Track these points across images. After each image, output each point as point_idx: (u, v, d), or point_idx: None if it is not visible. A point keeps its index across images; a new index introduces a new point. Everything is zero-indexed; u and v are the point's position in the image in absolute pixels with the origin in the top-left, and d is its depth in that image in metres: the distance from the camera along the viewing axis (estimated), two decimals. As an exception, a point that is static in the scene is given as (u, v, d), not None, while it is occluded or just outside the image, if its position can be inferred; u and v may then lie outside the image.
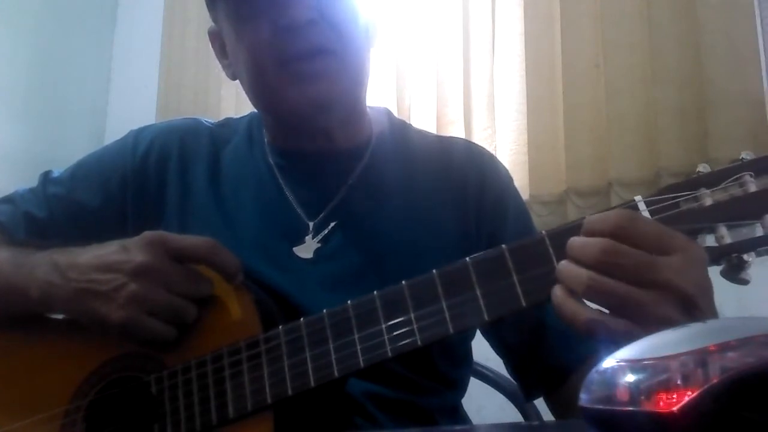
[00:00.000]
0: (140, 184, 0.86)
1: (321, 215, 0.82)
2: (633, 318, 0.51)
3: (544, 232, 0.58)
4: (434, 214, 0.83)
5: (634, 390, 0.33)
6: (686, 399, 0.32)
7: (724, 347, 0.33)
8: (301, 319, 0.64)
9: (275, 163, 0.86)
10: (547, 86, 1.67)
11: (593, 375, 0.37)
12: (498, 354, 0.88)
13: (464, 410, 0.88)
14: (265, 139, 0.88)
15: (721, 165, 0.57)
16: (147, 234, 0.68)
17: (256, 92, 0.81)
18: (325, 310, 0.63)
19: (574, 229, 0.56)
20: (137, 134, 0.91)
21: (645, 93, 1.52)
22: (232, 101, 2.13)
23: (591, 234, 0.54)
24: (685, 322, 0.45)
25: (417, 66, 1.87)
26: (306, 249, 0.80)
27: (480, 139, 1.75)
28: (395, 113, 1.86)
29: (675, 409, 0.32)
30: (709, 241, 0.55)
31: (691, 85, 1.46)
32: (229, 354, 0.65)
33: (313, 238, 0.80)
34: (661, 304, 0.51)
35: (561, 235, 0.57)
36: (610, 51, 1.58)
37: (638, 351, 0.36)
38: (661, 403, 0.32)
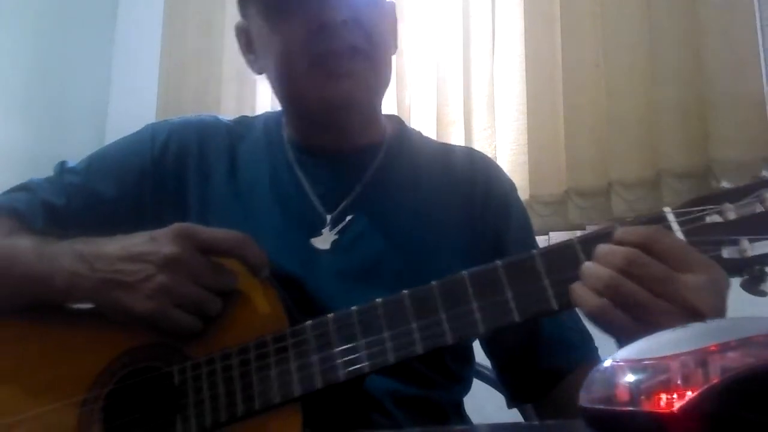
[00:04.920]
0: (159, 177, 0.87)
1: (338, 209, 0.84)
2: (640, 321, 0.54)
3: (574, 238, 0.61)
4: (444, 212, 0.86)
5: (634, 390, 0.33)
6: (686, 399, 0.32)
7: (724, 347, 0.33)
8: (329, 315, 0.65)
9: (294, 159, 0.88)
10: (547, 86, 1.66)
11: (593, 375, 0.37)
12: (488, 355, 0.90)
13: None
14: (284, 136, 0.90)
15: (744, 181, 0.60)
16: (176, 226, 0.68)
17: (285, 86, 0.83)
18: (354, 307, 0.64)
19: (604, 236, 0.60)
20: (154, 128, 0.92)
21: (645, 93, 1.52)
22: (232, 101, 2.13)
23: (620, 243, 0.57)
24: None
25: (417, 66, 1.87)
26: (323, 240, 0.82)
27: (480, 139, 1.75)
28: (395, 113, 1.86)
29: (675, 409, 0.32)
30: (732, 253, 0.57)
31: (691, 86, 1.46)
32: (256, 347, 0.65)
33: (330, 231, 0.82)
34: (671, 316, 0.53)
35: (591, 241, 0.60)
36: (610, 51, 1.58)
37: (638, 351, 0.36)
38: (661, 403, 0.32)
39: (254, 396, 0.63)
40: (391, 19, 0.89)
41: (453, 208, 0.87)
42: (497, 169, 0.95)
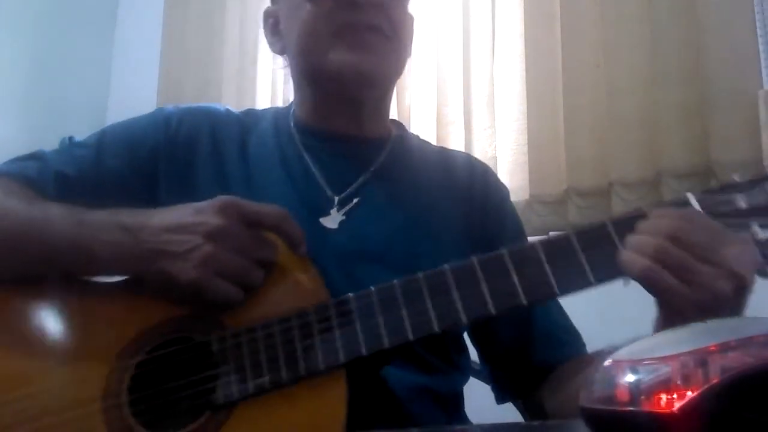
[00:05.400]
0: (171, 156, 0.88)
1: (345, 192, 0.86)
2: (688, 283, 0.58)
3: (607, 219, 0.65)
4: (444, 209, 0.89)
5: (634, 390, 0.33)
6: (686, 399, 0.32)
7: (724, 347, 0.33)
8: (371, 288, 0.67)
9: (302, 143, 0.90)
10: (547, 86, 1.66)
11: (593, 375, 0.37)
12: (480, 352, 0.92)
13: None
14: (292, 125, 0.93)
15: (752, 175, 0.66)
16: (220, 198, 0.69)
17: (305, 56, 0.86)
18: (395, 281, 0.66)
19: (638, 217, 0.64)
20: (167, 110, 0.93)
21: (646, 93, 1.52)
22: (232, 100, 2.13)
23: (661, 218, 0.62)
24: (733, 303, 0.57)
25: (417, 66, 1.87)
26: (332, 220, 0.84)
27: (480, 139, 1.75)
28: (395, 113, 1.86)
29: (675, 409, 0.32)
30: (744, 235, 0.62)
31: (691, 85, 1.46)
32: (299, 316, 0.66)
33: (338, 211, 0.84)
34: (718, 279, 0.58)
35: (624, 222, 0.64)
36: (610, 51, 1.58)
37: (638, 351, 0.36)
38: (661, 403, 0.32)
39: (298, 362, 0.64)
40: (411, 25, 0.93)
41: (452, 206, 0.90)
42: (494, 176, 1.00)
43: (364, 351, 0.64)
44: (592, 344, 0.86)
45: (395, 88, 1.91)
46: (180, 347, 0.67)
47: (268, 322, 0.66)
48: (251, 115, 0.98)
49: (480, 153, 1.72)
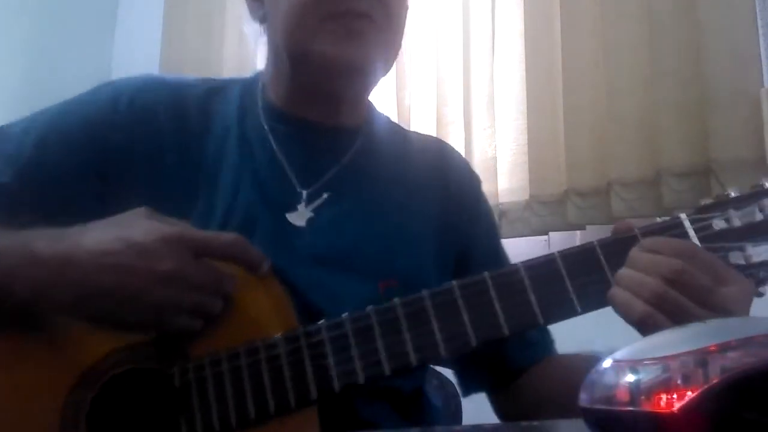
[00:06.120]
0: (124, 141, 0.79)
1: (314, 186, 0.81)
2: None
3: (595, 242, 0.63)
4: (418, 203, 0.86)
5: (634, 390, 0.33)
6: (686, 399, 0.32)
7: (724, 347, 0.33)
8: (344, 315, 0.64)
9: (270, 128, 0.84)
10: (547, 86, 1.66)
11: (593, 375, 0.37)
12: None
13: (446, 387, 0.93)
14: (259, 103, 0.86)
15: (745, 187, 0.64)
16: (166, 233, 0.63)
17: (291, 39, 0.79)
18: (370, 307, 0.64)
19: (627, 241, 0.62)
20: (115, 88, 0.84)
21: (645, 93, 1.52)
22: (232, 101, 2.13)
23: (657, 253, 0.59)
24: None
25: (417, 66, 1.87)
26: (299, 217, 0.79)
27: (480, 139, 1.75)
28: (395, 113, 1.86)
29: (675, 409, 0.32)
30: (738, 258, 0.61)
31: (691, 85, 1.46)
32: (266, 348, 0.63)
33: (306, 207, 0.79)
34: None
35: (613, 246, 0.62)
36: (610, 51, 1.57)
37: (638, 351, 0.36)
38: (661, 403, 0.32)
39: (267, 399, 0.61)
40: (405, 14, 0.87)
41: (427, 200, 0.87)
42: (468, 165, 0.99)
43: (336, 387, 0.61)
44: (585, 341, 0.85)
45: (394, 88, 1.91)
46: (140, 380, 0.64)
47: (233, 353, 0.63)
48: (214, 88, 0.87)
49: (480, 153, 1.72)
